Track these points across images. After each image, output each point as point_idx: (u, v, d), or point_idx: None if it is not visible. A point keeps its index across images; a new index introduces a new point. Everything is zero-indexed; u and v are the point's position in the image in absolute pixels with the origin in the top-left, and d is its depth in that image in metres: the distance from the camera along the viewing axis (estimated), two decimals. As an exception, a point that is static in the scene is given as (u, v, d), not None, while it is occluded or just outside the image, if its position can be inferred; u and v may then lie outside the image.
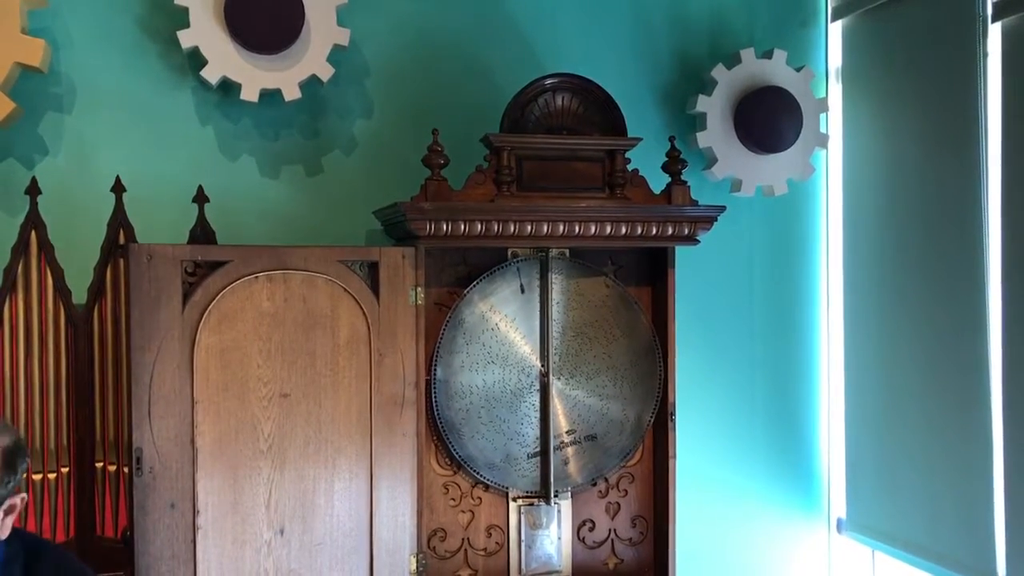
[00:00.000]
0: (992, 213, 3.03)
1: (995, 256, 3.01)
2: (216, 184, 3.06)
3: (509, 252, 3.08)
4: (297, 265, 2.75)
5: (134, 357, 2.63)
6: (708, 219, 3.04)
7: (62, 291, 2.84)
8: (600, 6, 3.51)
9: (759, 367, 3.68)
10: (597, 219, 2.94)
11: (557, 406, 3.08)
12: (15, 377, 2.79)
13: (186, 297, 2.66)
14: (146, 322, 2.63)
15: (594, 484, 3.18)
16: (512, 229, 2.89)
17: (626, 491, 3.22)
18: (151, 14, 3.10)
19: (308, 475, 2.76)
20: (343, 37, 3.09)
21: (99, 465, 2.86)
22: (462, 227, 2.85)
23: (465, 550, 3.10)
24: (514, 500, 3.12)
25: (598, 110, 3.06)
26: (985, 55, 3.04)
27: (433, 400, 2.96)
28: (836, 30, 3.69)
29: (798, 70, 3.52)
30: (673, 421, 3.13)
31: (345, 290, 2.79)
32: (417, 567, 2.86)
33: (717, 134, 3.45)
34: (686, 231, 3.03)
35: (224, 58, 2.99)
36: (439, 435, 3.01)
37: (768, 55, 3.50)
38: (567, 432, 3.10)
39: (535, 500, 3.12)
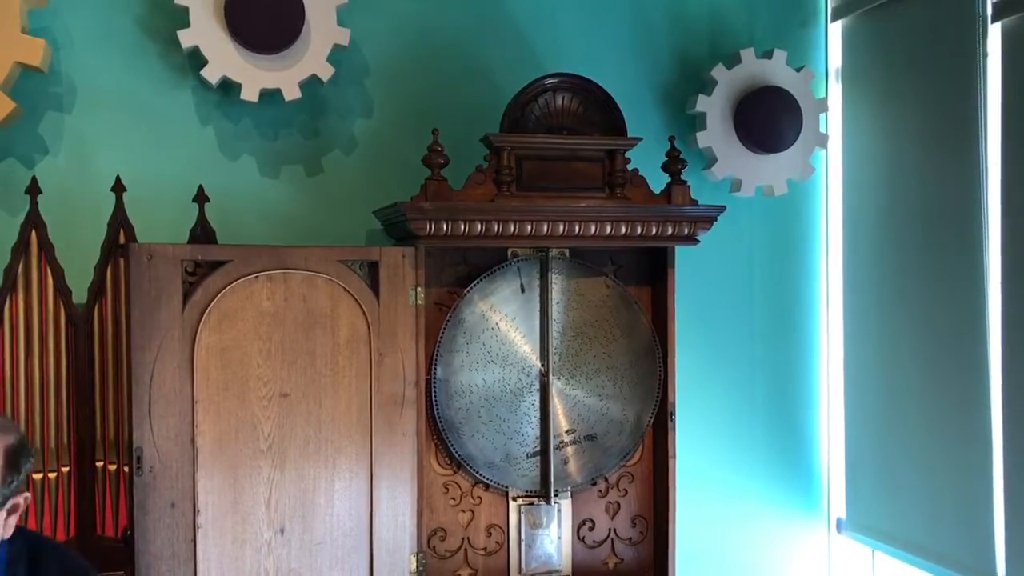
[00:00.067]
0: (992, 213, 3.03)
1: (995, 256, 3.01)
2: (216, 184, 3.06)
3: (509, 252, 3.08)
4: (297, 265, 2.75)
5: (134, 356, 2.63)
6: (708, 219, 3.04)
7: (62, 291, 2.84)
8: (600, 6, 3.51)
9: (759, 367, 3.69)
10: (597, 219, 2.94)
11: (557, 406, 3.08)
12: (15, 376, 2.79)
13: (186, 297, 2.66)
14: (146, 321, 2.63)
15: (594, 484, 3.18)
16: (512, 229, 2.89)
17: (626, 491, 3.23)
18: (151, 14, 3.10)
19: (308, 474, 2.76)
20: (343, 37, 3.09)
21: (99, 464, 2.86)
22: (462, 227, 2.85)
23: (465, 549, 3.10)
24: (514, 500, 3.12)
25: (598, 110, 3.06)
26: (985, 55, 3.04)
27: (433, 399, 2.97)
28: (836, 30, 3.69)
29: (798, 70, 3.53)
30: (673, 421, 3.13)
31: (345, 290, 2.79)
32: (417, 566, 2.86)
33: (717, 134, 3.45)
34: (686, 231, 3.03)
35: (224, 58, 2.99)
36: (439, 434, 3.01)
37: (768, 55, 3.51)
38: (567, 432, 3.10)
39: (535, 499, 3.12)
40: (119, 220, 2.89)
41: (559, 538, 3.15)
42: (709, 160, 3.49)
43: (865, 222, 3.55)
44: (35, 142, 3.03)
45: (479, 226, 2.86)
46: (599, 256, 3.17)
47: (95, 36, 3.07)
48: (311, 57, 3.06)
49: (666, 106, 3.56)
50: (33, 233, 2.82)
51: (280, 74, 3.04)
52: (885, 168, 3.45)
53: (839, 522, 3.73)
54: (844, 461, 3.67)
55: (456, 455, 3.02)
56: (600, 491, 3.21)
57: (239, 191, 3.17)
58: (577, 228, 2.94)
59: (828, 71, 3.71)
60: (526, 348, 3.07)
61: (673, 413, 3.13)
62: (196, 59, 3.05)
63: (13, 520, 1.87)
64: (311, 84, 3.11)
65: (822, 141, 3.59)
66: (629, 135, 3.03)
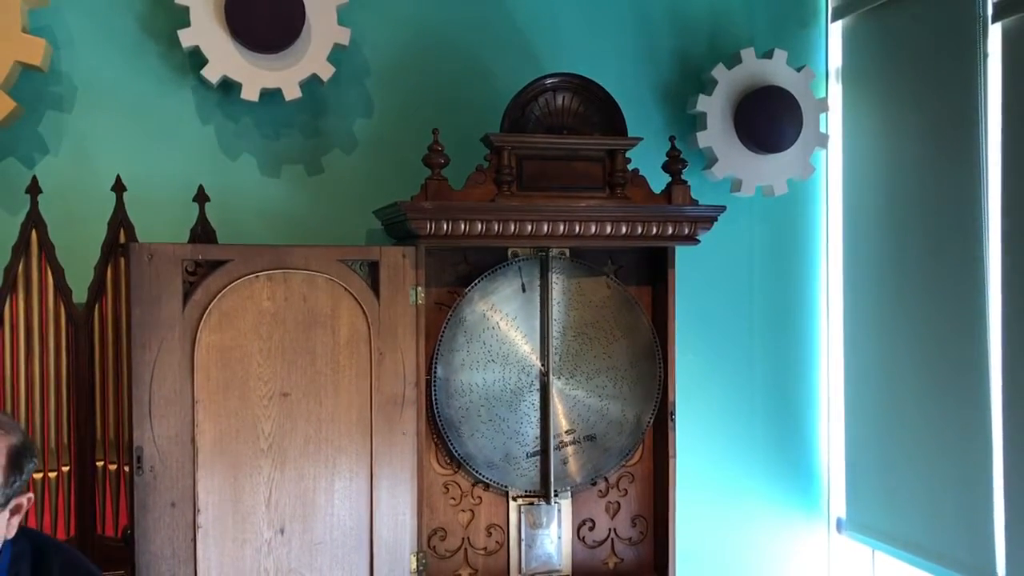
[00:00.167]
0: (992, 213, 3.03)
1: (995, 256, 3.01)
2: (217, 183, 3.06)
3: (509, 252, 3.08)
4: (297, 264, 2.75)
5: (135, 356, 2.63)
6: (708, 219, 3.04)
7: (62, 290, 2.84)
8: (600, 6, 3.51)
9: (759, 367, 3.69)
10: (597, 219, 2.94)
11: (557, 406, 3.08)
12: (15, 376, 2.79)
13: (187, 296, 2.66)
14: (147, 321, 2.63)
15: (594, 483, 3.18)
16: (512, 229, 2.89)
17: (626, 490, 3.23)
18: (152, 13, 3.10)
19: (308, 474, 2.76)
20: (344, 36, 3.09)
21: (100, 464, 2.86)
22: (462, 227, 2.85)
23: (465, 549, 3.10)
24: (514, 499, 3.12)
25: (598, 110, 3.06)
26: (985, 55, 3.04)
27: (433, 398, 2.97)
28: (836, 30, 3.69)
29: (798, 70, 3.53)
30: (673, 421, 3.13)
31: (345, 289, 2.79)
32: (417, 566, 2.86)
33: (717, 134, 3.45)
34: (686, 231, 3.03)
35: (225, 57, 2.99)
36: (439, 434, 3.01)
37: (768, 55, 3.51)
38: (566, 432, 3.10)
39: (535, 499, 3.12)
40: (119, 219, 2.89)
41: (559, 538, 3.16)
42: (709, 160, 3.50)
43: (865, 222, 3.55)
44: (35, 141, 3.03)
45: (479, 226, 2.86)
46: (599, 256, 3.17)
47: (96, 36, 3.07)
48: (311, 57, 3.06)
49: (666, 106, 3.57)
50: (33, 232, 2.82)
51: (280, 74, 3.04)
52: (885, 168, 3.45)
53: (839, 522, 3.73)
54: (844, 461, 3.67)
55: (456, 454, 3.02)
56: (600, 491, 3.21)
57: (239, 191, 3.17)
58: (577, 228, 2.94)
59: (828, 71, 3.71)
60: (526, 348, 3.07)
61: (673, 413, 3.13)
62: (196, 58, 3.04)
63: (16, 520, 1.87)
64: (311, 84, 3.11)
65: (822, 141, 3.59)
66: (629, 135, 3.04)
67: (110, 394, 2.86)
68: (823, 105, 3.59)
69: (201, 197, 2.99)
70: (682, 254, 3.22)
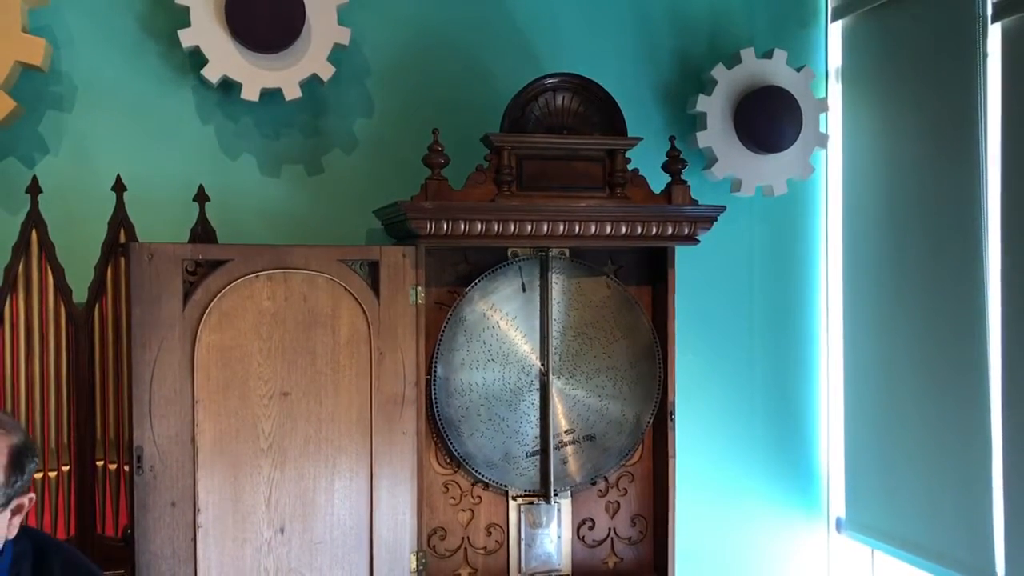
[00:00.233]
0: (992, 213, 3.03)
1: (995, 256, 3.02)
2: (217, 183, 3.06)
3: (509, 252, 3.08)
4: (298, 264, 2.75)
5: (135, 356, 2.63)
6: (708, 219, 3.04)
7: (63, 290, 2.84)
8: (600, 6, 3.51)
9: (759, 367, 3.69)
10: (597, 219, 2.94)
11: (557, 405, 3.09)
12: (15, 376, 2.79)
13: (187, 296, 2.66)
14: (147, 321, 2.63)
15: (594, 483, 3.18)
16: (512, 229, 2.89)
17: (626, 490, 3.23)
18: (152, 13, 3.10)
19: (308, 474, 2.76)
20: (344, 36, 3.09)
21: (100, 463, 2.86)
22: (462, 226, 2.85)
23: (465, 549, 3.10)
24: (514, 499, 3.12)
25: (598, 110, 3.06)
26: (985, 55, 3.04)
27: (433, 397, 2.97)
28: (836, 30, 3.69)
29: (798, 70, 3.53)
30: (673, 420, 3.13)
31: (346, 289, 2.79)
32: (417, 565, 2.87)
33: (717, 134, 3.45)
34: (686, 231, 3.03)
35: (225, 57, 2.99)
36: (439, 433, 3.01)
37: (768, 55, 3.51)
38: (566, 432, 3.10)
39: (535, 499, 3.12)
40: (119, 219, 2.89)
41: (559, 537, 3.16)
42: (709, 160, 3.50)
43: (865, 222, 3.55)
44: (36, 141, 3.03)
45: (479, 226, 2.86)
46: (599, 256, 3.17)
47: (96, 35, 3.07)
48: (312, 56, 3.06)
49: (666, 106, 3.57)
50: (33, 232, 2.82)
51: (281, 73, 3.04)
52: (885, 168, 3.45)
53: (839, 521, 3.73)
54: (844, 461, 3.68)
55: (455, 453, 3.02)
56: (600, 490, 3.21)
57: (240, 190, 3.17)
58: (577, 228, 2.94)
59: (828, 71, 3.71)
60: (526, 347, 3.07)
61: (673, 413, 3.13)
62: (197, 58, 3.05)
63: (18, 520, 1.87)
64: (312, 83, 3.11)
65: (822, 141, 3.59)
66: (629, 135, 3.04)
67: (110, 394, 2.86)
68: (823, 105, 3.59)
69: (201, 197, 2.99)
70: (682, 254, 3.22)
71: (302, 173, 3.26)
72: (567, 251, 3.12)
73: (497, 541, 3.13)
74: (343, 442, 2.79)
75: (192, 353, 2.66)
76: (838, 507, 3.73)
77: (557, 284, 3.09)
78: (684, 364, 3.41)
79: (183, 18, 2.98)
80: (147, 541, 2.63)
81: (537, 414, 3.07)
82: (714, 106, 3.45)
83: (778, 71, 3.49)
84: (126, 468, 2.80)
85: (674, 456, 3.13)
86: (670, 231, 3.02)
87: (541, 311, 3.07)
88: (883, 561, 3.60)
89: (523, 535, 3.13)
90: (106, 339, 2.86)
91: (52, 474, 2.80)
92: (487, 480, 3.07)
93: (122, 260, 2.80)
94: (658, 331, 3.16)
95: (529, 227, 2.90)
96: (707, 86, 3.48)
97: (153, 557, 2.63)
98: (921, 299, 3.28)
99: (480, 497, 3.11)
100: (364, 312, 2.81)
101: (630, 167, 3.02)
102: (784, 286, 3.71)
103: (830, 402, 3.74)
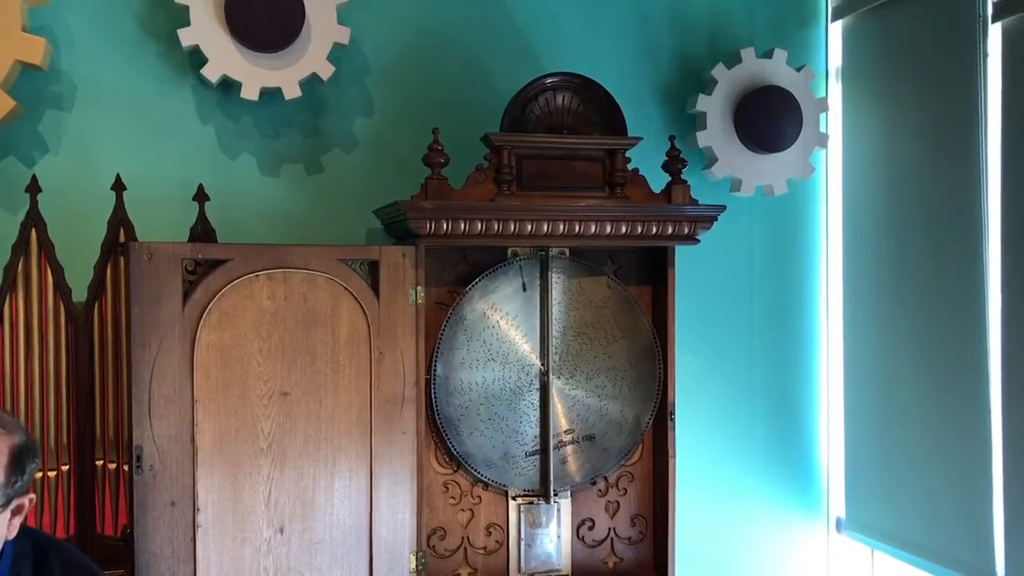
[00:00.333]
0: (992, 213, 3.03)
1: (994, 256, 3.02)
2: (216, 182, 3.06)
3: (509, 251, 3.08)
4: (297, 263, 2.75)
5: (134, 355, 2.63)
6: (708, 218, 3.04)
7: (62, 289, 2.84)
8: (600, 6, 3.51)
9: (759, 367, 3.69)
10: (597, 218, 2.94)
11: (556, 405, 3.08)
12: (15, 375, 2.79)
13: (186, 295, 2.66)
14: (146, 320, 2.63)
15: (593, 483, 3.18)
16: (512, 228, 2.89)
17: (626, 490, 3.23)
18: (152, 12, 3.10)
19: (308, 473, 2.76)
20: (343, 36, 3.09)
21: (99, 463, 2.86)
22: (462, 226, 2.85)
23: (465, 548, 3.10)
24: (514, 499, 3.12)
25: (598, 109, 3.06)
26: (985, 55, 3.04)
27: (432, 396, 2.97)
28: (836, 30, 3.69)
29: (798, 70, 3.53)
30: (673, 420, 3.13)
31: (345, 289, 2.79)
32: (417, 565, 2.86)
33: (717, 134, 3.45)
34: (686, 230, 3.03)
35: (224, 56, 2.99)
36: (438, 433, 3.01)
37: (768, 55, 3.51)
38: (565, 431, 3.10)
39: (535, 499, 3.12)
40: (119, 218, 2.89)
41: (559, 537, 3.16)
42: (709, 160, 3.50)
43: (865, 222, 3.55)
44: (35, 140, 3.03)
45: (479, 225, 2.86)
46: (599, 255, 3.17)
47: (95, 35, 3.07)
48: (311, 56, 3.06)
49: (666, 106, 3.57)
50: (33, 231, 2.82)
51: (280, 73, 3.04)
52: (885, 168, 3.45)
53: (838, 521, 3.73)
54: (844, 461, 3.68)
55: (455, 453, 3.02)
56: (600, 490, 3.21)
57: (239, 190, 3.17)
58: (577, 227, 2.94)
59: (828, 71, 3.71)
60: (526, 347, 3.07)
61: (673, 412, 3.13)
62: (196, 58, 3.05)
63: (18, 521, 1.87)
64: (311, 83, 3.11)
65: (822, 141, 3.59)
66: (629, 135, 3.04)
67: (110, 393, 2.86)
68: (823, 105, 3.59)
69: (201, 196, 2.99)
70: (682, 254, 3.21)
71: (302, 173, 3.25)
72: (567, 251, 3.12)
73: (497, 541, 3.13)
74: (343, 442, 2.79)
75: (192, 353, 2.66)
76: (838, 507, 3.73)
77: (557, 284, 3.09)
78: (684, 364, 3.41)
79: (183, 17, 2.98)
80: (147, 540, 2.63)
81: (537, 414, 3.07)
82: (714, 106, 3.45)
83: (778, 71, 3.49)
84: (126, 467, 2.80)
85: (674, 456, 3.13)
86: (670, 231, 3.01)
87: (541, 311, 3.07)
88: (883, 561, 3.60)
89: (523, 535, 3.13)
90: (106, 338, 2.86)
91: (52, 473, 2.80)
92: (487, 480, 3.07)
93: (122, 259, 2.79)
94: (658, 331, 3.15)
95: (529, 227, 2.90)
96: (707, 86, 3.48)
97: (153, 556, 2.63)
98: (921, 299, 3.28)
99: (480, 497, 3.11)
100: (364, 312, 2.81)
101: (630, 167, 3.02)
102: (784, 286, 3.71)
103: (830, 402, 3.74)
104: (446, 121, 3.03)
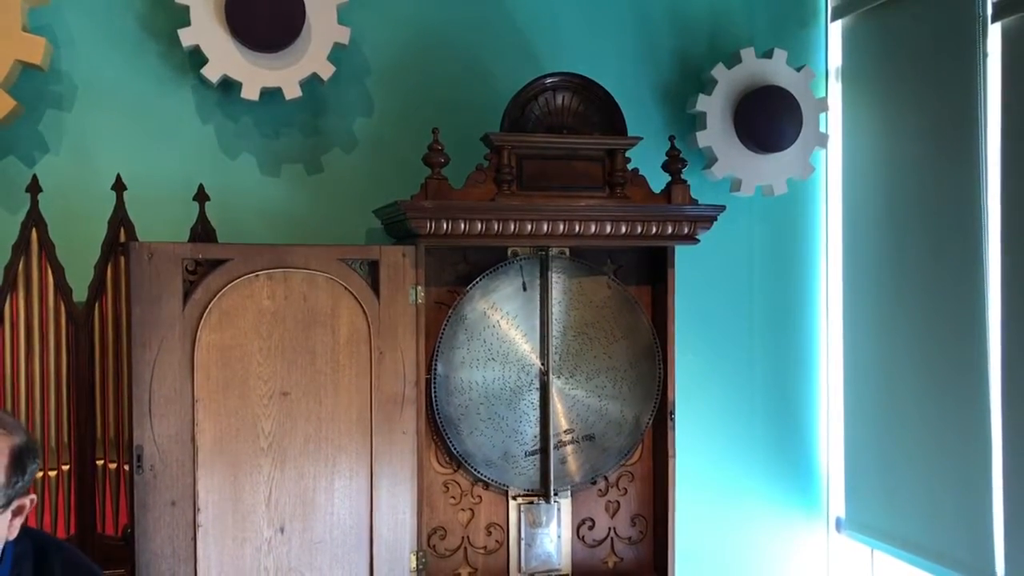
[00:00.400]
0: (992, 213, 3.03)
1: (994, 256, 3.02)
2: (217, 182, 3.06)
3: (509, 251, 3.08)
4: (297, 263, 2.75)
5: (135, 355, 2.63)
6: (708, 218, 3.04)
7: (63, 289, 2.84)
8: (600, 6, 3.51)
9: (759, 367, 3.69)
10: (597, 218, 2.94)
11: (556, 405, 3.09)
12: (16, 375, 2.79)
13: (187, 295, 2.66)
14: (147, 320, 2.63)
15: (593, 483, 3.18)
16: (512, 228, 2.89)
17: (626, 490, 3.23)
18: (152, 12, 3.10)
19: (308, 473, 2.76)
20: (344, 36, 3.09)
21: (100, 463, 2.86)
22: (462, 226, 2.85)
23: (465, 548, 3.10)
24: (514, 498, 3.12)
25: (598, 109, 3.06)
26: (985, 55, 3.04)
27: (433, 395, 2.97)
28: (836, 30, 3.69)
29: (798, 70, 3.53)
30: (673, 420, 3.13)
31: (345, 288, 2.79)
32: (417, 565, 2.87)
33: (717, 134, 3.46)
34: (686, 230, 3.03)
35: (225, 56, 2.99)
36: (438, 432, 3.01)
37: (768, 55, 3.51)
38: (565, 431, 3.10)
39: (535, 498, 3.12)
40: (119, 218, 2.89)
41: (559, 537, 3.16)
42: (709, 160, 3.50)
43: (865, 222, 3.55)
44: (36, 140, 3.03)
45: (479, 225, 2.86)
46: (599, 255, 3.17)
47: (96, 34, 3.07)
48: (311, 56, 3.06)
49: (666, 106, 3.57)
50: (33, 231, 2.82)
51: (280, 73, 3.04)
52: (885, 168, 3.45)
53: (838, 521, 3.73)
54: (843, 460, 3.68)
55: (455, 452, 3.02)
56: (600, 490, 3.21)
57: (239, 190, 3.17)
58: (577, 227, 2.94)
59: (828, 71, 3.71)
60: (526, 347, 3.07)
61: (673, 412, 3.13)
62: (197, 58, 3.05)
63: (18, 522, 1.87)
64: (311, 83, 3.11)
65: (822, 141, 3.59)
66: (629, 134, 3.04)
67: (110, 393, 2.86)
68: (823, 105, 3.60)
69: (201, 196, 2.99)
70: (682, 254, 3.22)
71: (302, 172, 3.26)
72: (567, 251, 3.12)
73: (497, 541, 3.13)
74: (343, 441, 2.79)
75: (192, 352, 2.66)
76: (838, 507, 3.73)
77: (558, 284, 3.09)
78: (684, 364, 3.41)
79: (183, 17, 2.98)
80: (147, 540, 2.63)
81: (536, 413, 3.07)
82: (714, 106, 3.45)
83: (778, 71, 3.50)
84: (126, 467, 2.81)
85: (674, 456, 3.13)
86: (670, 231, 3.02)
87: (541, 311, 3.07)
88: (883, 561, 3.60)
89: (523, 535, 3.13)
90: (106, 338, 2.86)
91: (52, 473, 2.80)
92: (487, 479, 3.07)
93: (122, 259, 2.80)
94: (658, 331, 3.16)
95: (529, 226, 2.90)
96: (707, 86, 3.48)
97: (153, 556, 2.63)
98: (921, 299, 3.28)
99: (480, 497, 3.11)
100: (364, 311, 2.81)
101: (630, 167, 3.02)
102: (784, 286, 3.71)
103: (830, 402, 3.74)
104: (446, 121, 3.03)
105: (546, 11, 3.46)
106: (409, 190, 2.94)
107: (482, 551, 3.12)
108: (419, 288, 2.86)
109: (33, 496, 1.92)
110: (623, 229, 2.97)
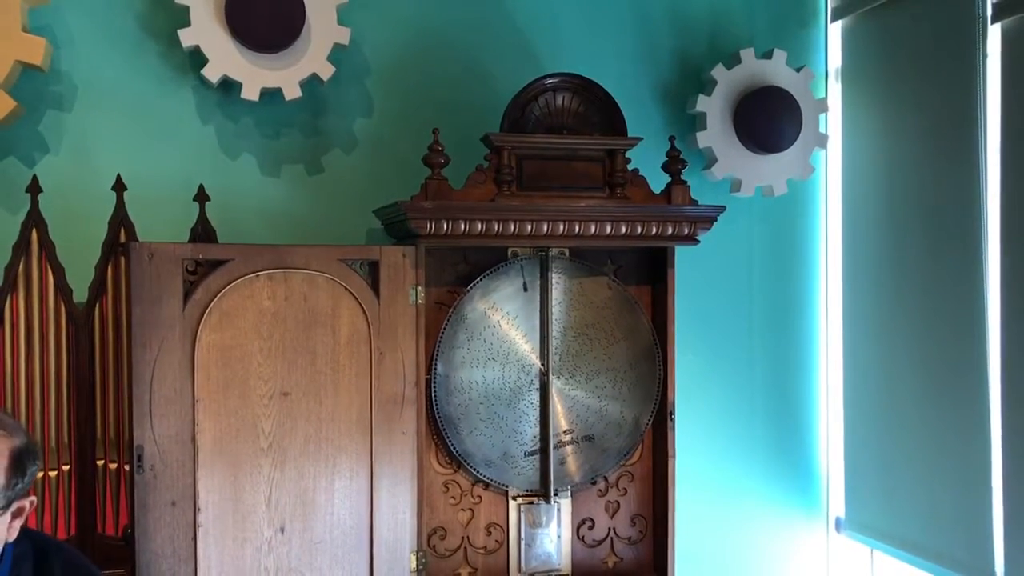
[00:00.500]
0: (991, 213, 3.03)
1: (994, 256, 3.02)
2: (217, 182, 3.06)
3: (509, 251, 3.08)
4: (298, 264, 2.76)
5: (135, 355, 2.63)
6: (708, 219, 3.04)
7: (63, 289, 2.84)
8: (600, 6, 3.51)
9: (759, 367, 3.69)
10: (597, 219, 2.95)
11: (556, 405, 3.09)
12: (16, 375, 2.79)
13: (187, 295, 2.67)
14: (147, 320, 2.63)
15: (593, 483, 3.18)
16: (512, 228, 2.89)
17: (626, 490, 3.23)
18: (152, 13, 3.10)
19: (308, 473, 2.77)
20: (344, 36, 3.09)
21: (100, 463, 2.86)
22: (462, 226, 2.85)
23: (465, 548, 3.11)
24: (514, 499, 3.12)
25: (598, 110, 3.06)
26: (985, 56, 3.04)
27: (433, 395, 2.97)
28: (836, 30, 3.69)
29: (798, 70, 3.53)
30: (672, 420, 3.13)
31: (346, 289, 2.79)
32: (417, 565, 2.87)
33: (717, 134, 3.46)
34: (686, 231, 3.03)
35: (225, 57, 3.00)
36: (438, 432, 3.01)
37: (768, 55, 3.51)
38: (565, 432, 3.10)
39: (535, 498, 3.12)
40: (120, 219, 2.89)
41: (559, 537, 3.16)
42: (709, 160, 3.50)
43: (865, 222, 3.55)
44: (36, 141, 3.03)
45: (479, 225, 2.86)
46: (599, 256, 3.18)
47: (96, 35, 3.07)
48: (311, 56, 3.06)
49: (666, 106, 3.57)
50: (34, 232, 2.82)
51: (281, 73, 3.04)
52: (885, 168, 3.45)
53: (838, 521, 3.73)
54: (843, 461, 3.68)
55: (454, 452, 3.02)
56: (600, 490, 3.21)
57: (240, 190, 3.17)
58: (577, 228, 2.94)
59: (828, 71, 3.71)
60: (526, 347, 3.07)
61: (673, 413, 3.13)
62: (197, 58, 3.05)
63: (18, 524, 1.87)
64: (312, 83, 3.11)
65: (822, 141, 3.59)
66: (629, 135, 3.04)
67: (110, 393, 2.86)
68: (823, 105, 3.60)
69: (201, 196, 2.99)
70: (682, 254, 3.22)
71: (302, 173, 3.26)
72: (567, 251, 3.12)
73: (497, 541, 3.13)
74: (343, 442, 2.79)
75: (192, 353, 2.66)
76: (838, 507, 3.73)
77: (558, 285, 3.09)
78: (684, 364, 3.41)
79: (183, 18, 2.98)
80: (147, 540, 2.63)
81: (536, 414, 3.07)
82: (714, 106, 3.45)
83: (778, 71, 3.50)
84: (126, 467, 2.81)
85: (674, 456, 3.13)
86: (670, 231, 3.02)
87: (541, 311, 3.08)
88: (882, 561, 3.60)
89: (523, 535, 3.13)
90: (106, 339, 2.87)
91: (52, 473, 2.81)
92: (486, 479, 3.07)
93: (122, 259, 2.80)
94: (658, 331, 3.16)
95: (529, 227, 2.90)
96: (707, 86, 3.49)
97: (153, 556, 2.63)
98: (921, 299, 3.28)
99: (480, 497, 3.11)
100: (364, 312, 2.81)
101: (630, 167, 3.02)
102: (784, 286, 3.71)
103: (830, 402, 3.75)
104: (446, 121, 3.03)
105: (546, 11, 3.46)
106: (409, 190, 2.94)
107: (482, 551, 3.12)
108: (419, 288, 2.86)
109: (33, 498, 1.92)
110: (623, 229, 2.98)
